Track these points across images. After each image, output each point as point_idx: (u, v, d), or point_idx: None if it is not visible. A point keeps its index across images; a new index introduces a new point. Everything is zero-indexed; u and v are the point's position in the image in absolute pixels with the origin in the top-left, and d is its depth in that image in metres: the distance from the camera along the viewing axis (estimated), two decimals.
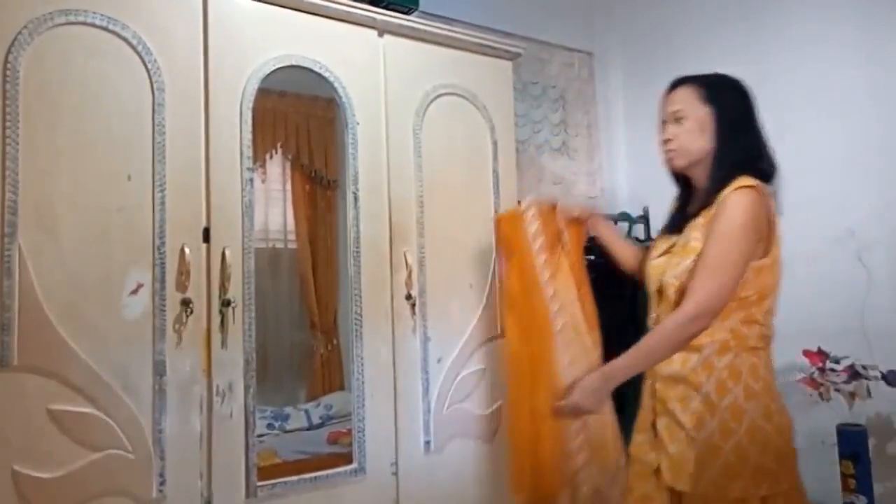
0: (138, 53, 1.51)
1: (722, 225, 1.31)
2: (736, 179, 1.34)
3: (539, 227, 1.73)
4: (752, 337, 1.34)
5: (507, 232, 1.81)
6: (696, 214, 1.40)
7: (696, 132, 1.42)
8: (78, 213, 1.43)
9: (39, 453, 1.36)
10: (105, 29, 1.48)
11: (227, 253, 1.58)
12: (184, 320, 1.52)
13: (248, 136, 1.65)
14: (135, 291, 1.48)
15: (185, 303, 1.52)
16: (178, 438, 1.50)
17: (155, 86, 1.53)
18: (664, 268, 1.41)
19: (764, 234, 1.34)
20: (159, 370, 1.49)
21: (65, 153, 1.43)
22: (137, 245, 1.49)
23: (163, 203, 1.52)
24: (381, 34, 1.90)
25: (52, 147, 1.42)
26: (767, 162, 1.42)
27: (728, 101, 1.44)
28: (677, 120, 1.45)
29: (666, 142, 1.47)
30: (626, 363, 1.37)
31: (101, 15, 1.47)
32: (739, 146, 1.41)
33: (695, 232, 1.38)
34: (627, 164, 3.11)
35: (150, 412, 1.48)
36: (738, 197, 1.32)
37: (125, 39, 1.50)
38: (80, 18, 1.45)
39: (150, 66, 1.52)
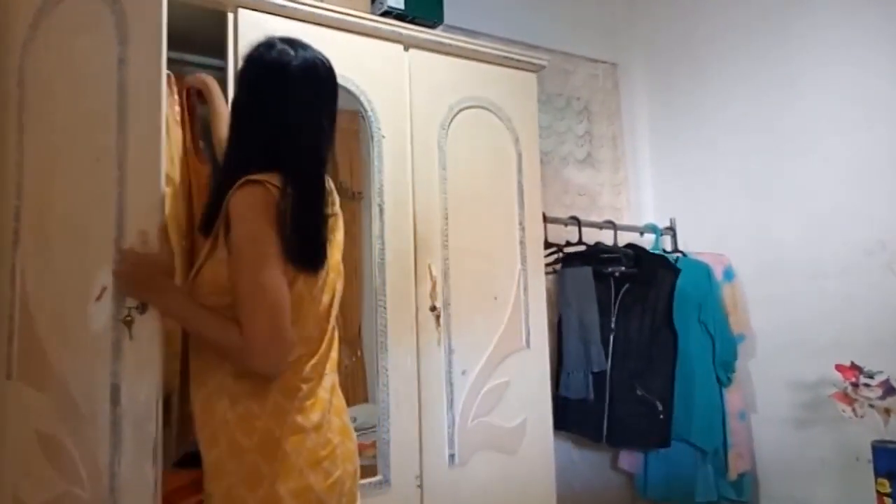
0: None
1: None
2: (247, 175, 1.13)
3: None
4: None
5: None
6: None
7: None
8: (62, 209, 1.28)
9: (29, 471, 1.24)
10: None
11: None
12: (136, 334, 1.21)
13: None
14: (99, 297, 1.21)
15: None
16: (133, 486, 1.19)
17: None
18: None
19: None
20: (115, 397, 1.21)
21: (59, 150, 1.29)
22: (102, 241, 1.23)
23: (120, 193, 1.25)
24: (406, 48, 1.92)
25: (48, 145, 1.30)
26: (292, 152, 1.17)
27: (245, 84, 1.20)
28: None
29: None
30: (184, 307, 1.17)
31: None
32: (253, 137, 1.17)
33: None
34: (653, 174, 3.08)
35: (107, 449, 1.20)
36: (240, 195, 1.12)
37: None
38: None
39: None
